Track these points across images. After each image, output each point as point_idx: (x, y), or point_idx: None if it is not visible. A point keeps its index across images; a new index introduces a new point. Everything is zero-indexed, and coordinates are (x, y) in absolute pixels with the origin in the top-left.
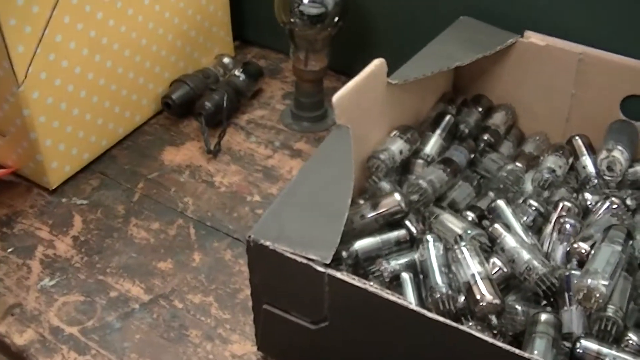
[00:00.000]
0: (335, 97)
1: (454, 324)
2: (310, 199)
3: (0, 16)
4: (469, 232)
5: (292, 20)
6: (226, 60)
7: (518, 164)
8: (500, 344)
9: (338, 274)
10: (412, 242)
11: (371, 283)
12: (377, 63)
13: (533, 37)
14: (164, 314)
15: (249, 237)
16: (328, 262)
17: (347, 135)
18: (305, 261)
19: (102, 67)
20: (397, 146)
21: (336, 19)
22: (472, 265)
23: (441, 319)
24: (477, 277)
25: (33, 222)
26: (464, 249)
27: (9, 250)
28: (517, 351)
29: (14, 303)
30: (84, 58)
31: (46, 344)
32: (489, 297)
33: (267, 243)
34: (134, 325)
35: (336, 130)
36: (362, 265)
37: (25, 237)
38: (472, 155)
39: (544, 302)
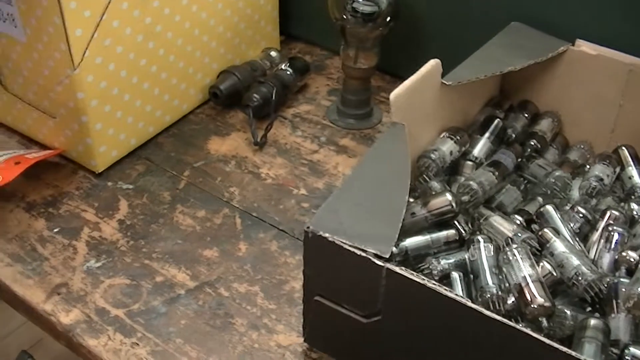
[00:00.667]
0: (392, 95)
1: (514, 324)
2: (367, 194)
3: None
4: (520, 234)
5: (344, 17)
6: (273, 54)
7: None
8: (556, 345)
9: (397, 269)
10: (461, 243)
11: (429, 279)
12: (433, 64)
13: (584, 46)
14: (210, 302)
15: (307, 227)
16: (387, 256)
17: (403, 133)
18: (363, 254)
19: (155, 54)
20: (448, 147)
21: (388, 18)
22: (523, 268)
23: (501, 318)
24: (529, 280)
25: (79, 204)
26: (516, 251)
27: (55, 230)
28: (573, 353)
29: (60, 283)
30: (139, 44)
31: (92, 324)
32: (540, 299)
33: (326, 235)
34: (179, 310)
35: (392, 127)
36: (411, 262)
37: (71, 219)
38: (519, 160)
39: (589, 309)
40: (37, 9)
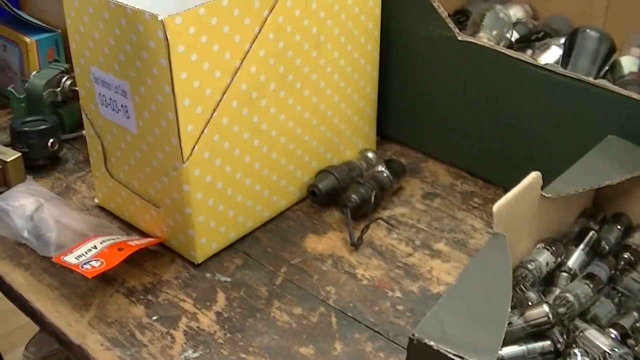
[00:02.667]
0: (496, 207)
1: None
2: (470, 304)
3: (177, 96)
4: (617, 349)
5: None
6: (370, 155)
7: None
8: None
9: None
10: (556, 354)
11: None
12: (534, 176)
13: None
14: None
15: (413, 335)
16: None
17: (505, 244)
18: None
19: (259, 151)
20: (544, 258)
21: None
22: None
23: None
24: None
25: (177, 293)
26: None
27: (154, 317)
28: None
29: None
30: (244, 142)
31: None
32: None
33: (431, 343)
34: None
35: (493, 238)
36: None
37: (170, 307)
38: (612, 272)
39: None
40: (151, 104)
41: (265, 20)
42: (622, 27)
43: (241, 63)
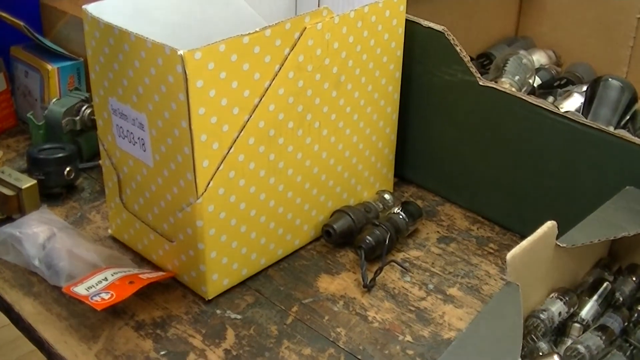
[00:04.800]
0: (509, 256)
1: None
2: (480, 353)
3: (194, 131)
4: None
5: None
6: (387, 196)
7: None
8: None
9: None
10: None
11: None
12: (549, 225)
13: None
14: None
15: None
16: None
17: (517, 294)
18: None
19: (275, 189)
20: (557, 308)
21: None
22: None
23: None
24: None
25: (187, 329)
26: None
27: (162, 352)
28: None
29: None
30: (260, 179)
31: None
32: None
33: None
34: None
35: (506, 286)
36: None
37: (178, 343)
38: (625, 324)
39: None
40: (168, 137)
41: (286, 58)
42: None
43: (260, 100)
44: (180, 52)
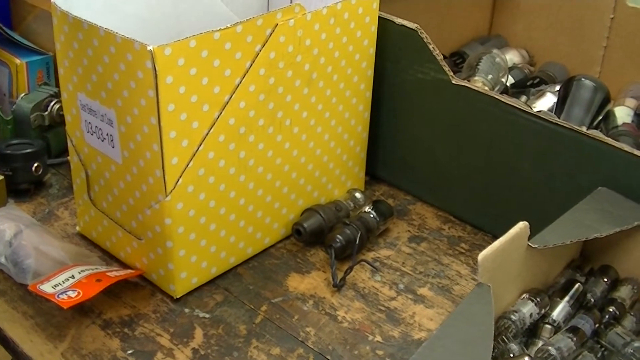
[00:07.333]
0: (481, 256)
1: None
2: (450, 354)
3: (163, 128)
4: None
5: None
6: (358, 195)
7: None
8: None
9: None
10: None
11: None
12: (521, 226)
13: None
14: None
15: None
16: None
17: (489, 295)
18: None
19: (245, 187)
20: (528, 309)
21: None
22: None
23: None
24: None
25: (154, 328)
26: None
27: (129, 352)
28: None
29: None
30: (230, 177)
31: None
32: None
33: None
34: None
35: (478, 288)
36: None
37: (146, 342)
38: (597, 326)
39: None
40: (137, 134)
41: (257, 55)
42: (618, 77)
43: (230, 97)
44: (150, 47)
